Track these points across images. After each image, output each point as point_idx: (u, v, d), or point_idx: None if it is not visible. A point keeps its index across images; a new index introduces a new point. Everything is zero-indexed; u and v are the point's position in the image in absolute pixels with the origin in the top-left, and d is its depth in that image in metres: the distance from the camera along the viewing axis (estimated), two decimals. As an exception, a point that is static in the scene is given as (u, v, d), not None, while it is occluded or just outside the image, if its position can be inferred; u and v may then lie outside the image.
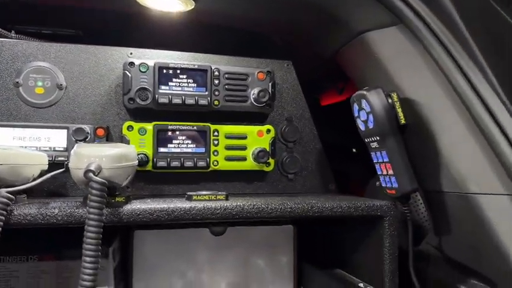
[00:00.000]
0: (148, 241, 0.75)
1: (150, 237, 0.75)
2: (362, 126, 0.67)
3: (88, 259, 0.49)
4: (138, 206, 0.56)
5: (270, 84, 0.78)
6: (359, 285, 0.68)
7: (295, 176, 0.82)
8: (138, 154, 0.67)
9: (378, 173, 0.67)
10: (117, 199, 0.57)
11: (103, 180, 0.48)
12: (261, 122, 0.80)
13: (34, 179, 0.59)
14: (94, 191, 0.48)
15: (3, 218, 0.48)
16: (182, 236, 0.77)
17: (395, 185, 0.63)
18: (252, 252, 0.81)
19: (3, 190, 0.49)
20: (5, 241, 0.50)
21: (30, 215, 0.52)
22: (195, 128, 0.75)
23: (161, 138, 0.73)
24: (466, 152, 0.58)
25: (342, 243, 0.81)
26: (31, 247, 0.70)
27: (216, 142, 0.75)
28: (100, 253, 0.51)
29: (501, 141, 0.54)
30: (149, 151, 0.71)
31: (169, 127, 0.73)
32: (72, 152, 0.55)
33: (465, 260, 0.60)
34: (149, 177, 0.74)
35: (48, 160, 0.64)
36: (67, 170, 0.59)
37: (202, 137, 0.75)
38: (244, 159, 0.76)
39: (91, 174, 0.47)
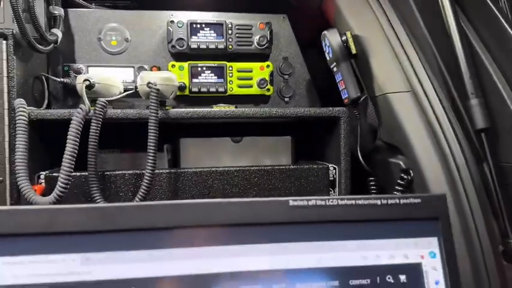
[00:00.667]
0: (189, 146, 1.10)
1: (191, 143, 1.10)
2: (327, 57, 0.96)
3: (151, 148, 0.82)
4: (180, 110, 0.90)
5: (268, 32, 1.06)
6: (329, 166, 0.98)
7: (290, 99, 1.13)
8: (179, 83, 1.01)
9: (340, 89, 0.96)
10: (166, 107, 0.91)
11: (158, 88, 0.82)
12: (263, 60, 1.09)
13: (116, 95, 0.94)
14: (153, 95, 0.82)
15: (102, 114, 0.84)
16: (212, 143, 1.11)
17: (347, 95, 0.92)
18: (261, 156, 1.10)
19: (102, 99, 0.85)
20: (101, 137, 0.85)
21: (116, 113, 0.87)
22: (216, 65, 1.06)
23: (194, 73, 1.05)
24: (385, 66, 0.85)
25: (319, 142, 1.12)
26: (116, 142, 1.06)
27: (230, 75, 1.06)
28: (157, 145, 0.83)
29: (401, 54, 0.82)
30: (186, 81, 1.04)
31: (199, 65, 1.05)
32: (139, 77, 0.90)
33: (395, 142, 0.88)
34: (187, 99, 1.07)
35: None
36: (136, 90, 0.95)
37: (221, 72, 1.06)
38: (250, 86, 1.07)
39: (151, 84, 0.82)
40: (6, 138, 0.82)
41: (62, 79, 0.97)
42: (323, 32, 0.93)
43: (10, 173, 0.81)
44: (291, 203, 0.47)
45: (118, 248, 0.44)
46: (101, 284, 0.42)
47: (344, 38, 0.90)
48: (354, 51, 0.90)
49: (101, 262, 0.43)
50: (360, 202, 0.47)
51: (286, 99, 1.12)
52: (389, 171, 0.90)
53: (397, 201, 0.48)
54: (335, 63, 0.92)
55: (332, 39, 0.90)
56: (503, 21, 0.69)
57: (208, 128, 1.10)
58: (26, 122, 0.79)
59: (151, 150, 0.83)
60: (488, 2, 0.71)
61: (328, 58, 0.94)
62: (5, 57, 0.81)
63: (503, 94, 0.71)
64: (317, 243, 0.46)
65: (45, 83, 0.97)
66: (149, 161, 0.83)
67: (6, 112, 0.81)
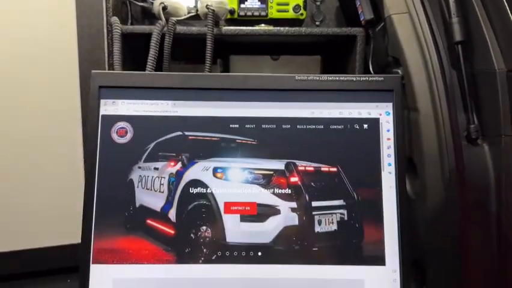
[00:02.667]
0: (236, 61, 1.37)
1: (238, 59, 1.37)
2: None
3: (208, 59, 1.10)
4: (230, 27, 1.17)
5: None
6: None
7: (320, 23, 1.36)
8: (229, 7, 1.28)
9: (359, 13, 1.18)
10: (220, 26, 1.19)
11: (213, 9, 1.10)
12: None
13: (182, 16, 1.23)
14: (209, 15, 1.10)
15: (173, 30, 1.14)
16: (256, 60, 1.36)
17: (363, 17, 1.15)
18: (295, 71, 1.33)
19: (173, 18, 1.14)
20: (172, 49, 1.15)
21: (183, 29, 1.16)
22: (260, -6, 1.32)
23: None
24: None
25: (341, 59, 1.35)
26: (182, 55, 1.35)
27: (271, 1, 1.31)
28: (212, 58, 1.10)
29: None
30: (235, 7, 1.30)
31: (246, -6, 1.32)
32: (199, 1, 1.18)
33: (396, 55, 1.10)
34: (235, 22, 1.33)
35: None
36: (196, 13, 1.23)
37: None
38: (287, 11, 1.32)
39: (209, 6, 1.10)
40: (105, 47, 1.14)
41: (142, 3, 1.27)
42: None
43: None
44: (297, 77, 0.75)
45: (193, 98, 0.75)
46: (184, 117, 0.74)
47: None
48: None
49: (184, 106, 0.75)
50: (342, 78, 0.75)
51: (317, 22, 1.36)
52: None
53: (367, 78, 0.75)
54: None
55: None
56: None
57: (253, 48, 1.37)
58: (119, 34, 1.11)
59: (208, 61, 1.12)
60: None
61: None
62: (104, -15, 1.12)
63: (478, 15, 0.92)
64: (311, 103, 0.75)
65: (129, 6, 1.28)
66: (206, 69, 1.12)
67: (105, 26, 1.13)
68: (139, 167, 0.73)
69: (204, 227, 0.71)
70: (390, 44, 1.13)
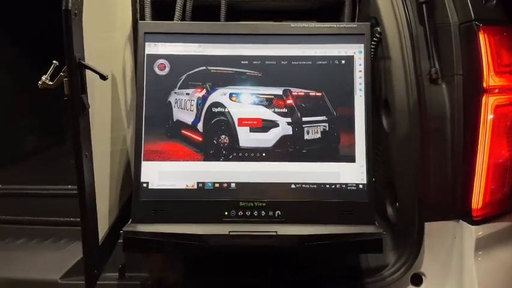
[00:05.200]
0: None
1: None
2: None
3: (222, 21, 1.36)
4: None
5: None
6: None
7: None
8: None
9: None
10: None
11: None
12: None
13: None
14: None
15: (193, -3, 1.37)
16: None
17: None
18: None
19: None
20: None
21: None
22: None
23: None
24: None
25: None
26: (198, 20, 1.59)
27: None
28: (225, 20, 1.36)
29: None
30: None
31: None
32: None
33: (376, 18, 1.33)
34: None
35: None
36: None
37: None
38: None
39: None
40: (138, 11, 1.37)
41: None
42: None
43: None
44: (291, 25, 0.99)
45: (214, 41, 0.99)
46: (207, 56, 0.99)
47: None
48: None
49: (207, 47, 0.99)
50: (326, 25, 0.99)
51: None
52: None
53: (345, 25, 0.99)
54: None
55: None
56: None
57: (258, 14, 1.58)
58: (149, 1, 1.34)
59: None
60: None
61: None
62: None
63: None
64: (302, 44, 0.99)
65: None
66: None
67: None
68: (175, 92, 0.98)
69: (223, 136, 0.96)
70: (371, 7, 1.35)
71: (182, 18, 1.31)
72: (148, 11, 1.33)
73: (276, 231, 0.88)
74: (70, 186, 1.43)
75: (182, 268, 1.09)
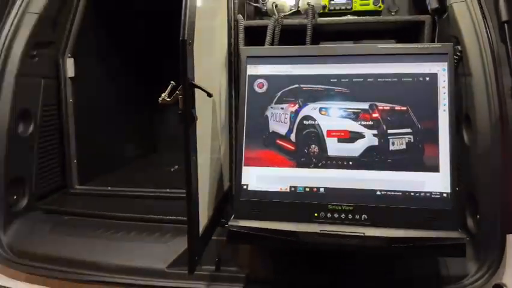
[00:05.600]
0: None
1: (326, 45, 1.73)
2: None
3: (307, 43, 1.48)
4: (325, 18, 1.52)
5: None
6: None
7: (395, 13, 1.65)
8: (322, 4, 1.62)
9: (426, 3, 1.45)
10: (317, 19, 1.54)
11: (313, 4, 1.46)
12: None
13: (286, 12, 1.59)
14: (309, 9, 1.46)
15: (282, 22, 1.51)
16: (341, 44, 1.72)
17: (429, 7, 1.43)
18: None
19: (281, 13, 1.52)
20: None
21: (288, 22, 1.53)
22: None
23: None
24: None
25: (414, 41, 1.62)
26: (282, 43, 1.74)
27: (354, -1, 1.64)
28: (310, 42, 1.48)
29: None
30: (326, 3, 1.64)
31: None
32: (301, 0, 1.54)
33: (455, 34, 1.37)
34: (326, 15, 1.66)
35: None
36: (298, 9, 1.58)
37: None
38: (368, 4, 1.62)
39: (309, 2, 1.45)
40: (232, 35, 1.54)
41: (255, 4, 1.67)
42: None
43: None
44: (379, 45, 1.09)
45: (305, 62, 1.12)
46: (299, 75, 1.11)
47: None
48: None
49: (299, 68, 1.12)
50: (412, 46, 1.07)
51: (392, 12, 1.65)
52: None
53: (429, 45, 1.07)
54: (422, -15, 1.43)
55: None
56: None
57: (338, 35, 1.71)
58: (243, 27, 1.51)
59: (308, 44, 1.48)
60: None
61: None
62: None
63: None
64: (388, 63, 1.08)
65: (245, 7, 1.68)
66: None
67: (232, 22, 1.52)
68: (271, 107, 1.11)
69: (313, 145, 1.07)
70: (451, 26, 1.39)
71: (272, 41, 1.46)
72: (241, 36, 1.49)
73: (363, 233, 0.97)
74: (168, 189, 1.62)
75: (272, 264, 1.20)
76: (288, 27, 1.54)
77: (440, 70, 1.05)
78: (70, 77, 1.64)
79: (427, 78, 1.06)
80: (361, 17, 1.49)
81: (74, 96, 1.66)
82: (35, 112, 1.51)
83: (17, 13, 1.42)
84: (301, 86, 1.11)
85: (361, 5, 1.63)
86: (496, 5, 1.21)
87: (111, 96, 2.01)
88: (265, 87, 1.13)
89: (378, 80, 1.08)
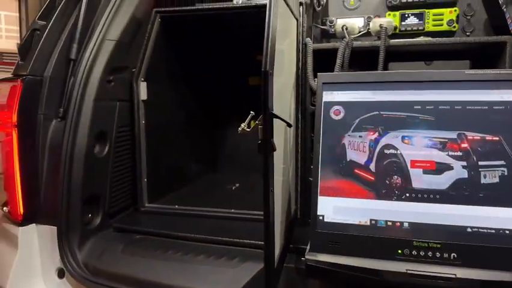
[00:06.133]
0: (394, 67, 1.65)
1: (396, 65, 1.65)
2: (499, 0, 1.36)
3: (380, 65, 1.43)
4: (397, 40, 1.46)
5: None
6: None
7: (471, 33, 1.56)
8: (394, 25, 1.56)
9: (508, 24, 1.36)
10: (389, 40, 1.48)
11: (386, 26, 1.40)
12: (452, 6, 1.54)
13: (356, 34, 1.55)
14: (382, 31, 1.41)
15: (351, 44, 1.47)
16: (411, 65, 1.64)
17: (514, 26, 1.33)
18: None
19: (351, 36, 1.48)
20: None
21: (359, 44, 1.48)
22: (418, 12, 1.57)
23: (403, 18, 1.59)
24: None
25: (491, 63, 1.48)
26: (355, 65, 1.70)
27: (427, 18, 1.55)
28: (383, 63, 1.42)
29: None
30: (397, 24, 1.58)
31: (406, 13, 1.58)
32: (372, 21, 1.49)
33: None
34: (397, 36, 1.60)
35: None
36: (367, 31, 1.54)
37: (421, 16, 1.55)
38: (441, 25, 1.54)
39: (382, 24, 1.40)
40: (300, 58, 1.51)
41: (323, 27, 1.65)
42: None
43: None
44: (466, 72, 1.02)
45: (386, 88, 1.06)
46: (379, 102, 1.06)
47: None
48: None
49: (379, 94, 1.07)
50: (503, 71, 0.99)
51: (467, 33, 1.56)
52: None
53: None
54: (505, 5, 1.33)
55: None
56: None
57: (408, 55, 1.63)
58: (311, 50, 1.48)
59: (380, 66, 1.42)
60: None
61: (500, 1, 1.35)
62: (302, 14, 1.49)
63: None
64: (477, 90, 1.00)
65: (312, 29, 1.65)
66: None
67: (301, 45, 1.50)
68: (349, 135, 1.07)
69: (396, 176, 1.01)
70: None
71: (342, 64, 1.42)
72: (310, 59, 1.46)
73: (455, 274, 0.89)
74: (233, 210, 1.60)
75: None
76: (357, 49, 1.49)
77: (522, 97, 0.97)
78: (142, 100, 1.67)
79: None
80: (436, 39, 1.42)
81: (146, 118, 1.69)
82: (110, 133, 1.55)
83: (96, 40, 1.47)
84: (382, 113, 1.06)
85: (434, 25, 1.56)
86: None
87: (178, 118, 2.04)
88: (342, 114, 1.09)
89: (467, 107, 1.00)
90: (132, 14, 1.60)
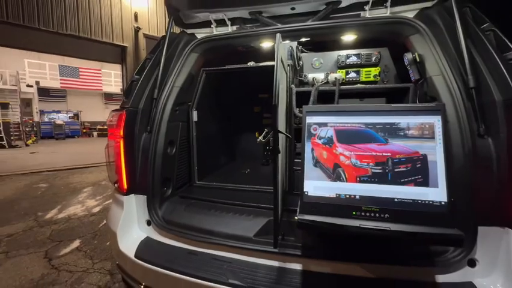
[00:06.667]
0: (343, 103, 1.59)
1: (344, 102, 1.59)
2: (405, 62, 1.29)
3: (336, 101, 1.36)
4: (346, 86, 1.40)
5: (378, 55, 1.45)
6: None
7: (387, 82, 1.50)
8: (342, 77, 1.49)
9: (411, 76, 1.30)
10: (340, 86, 1.41)
11: (339, 78, 1.33)
12: (375, 66, 1.48)
13: (320, 83, 1.48)
14: (337, 82, 1.34)
15: (318, 89, 1.40)
16: (348, 101, 1.58)
17: (413, 78, 1.27)
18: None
19: (316, 85, 1.41)
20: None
21: (322, 88, 1.42)
22: (356, 70, 1.51)
23: (347, 73, 1.53)
24: (432, 66, 1.17)
25: (399, 101, 1.46)
26: (319, 102, 1.63)
27: (361, 73, 1.49)
28: (338, 101, 1.36)
29: (439, 60, 1.12)
30: (344, 76, 1.52)
31: (349, 70, 1.52)
32: (330, 75, 1.42)
33: (433, 95, 1.21)
34: (344, 83, 1.55)
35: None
36: (327, 81, 1.47)
37: (358, 72, 1.50)
38: (370, 77, 1.48)
39: (336, 77, 1.34)
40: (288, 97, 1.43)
41: (301, 78, 1.56)
42: (404, 54, 1.27)
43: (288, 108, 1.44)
44: (392, 105, 0.95)
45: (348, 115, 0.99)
46: (343, 123, 0.99)
47: (414, 55, 1.23)
48: (418, 59, 1.22)
49: (342, 118, 0.99)
50: (419, 105, 0.92)
51: (385, 82, 1.50)
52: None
53: (427, 104, 0.91)
54: (409, 66, 1.27)
55: (408, 55, 1.25)
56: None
57: (348, 96, 1.57)
58: (295, 92, 1.39)
59: (336, 101, 1.35)
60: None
61: (406, 63, 1.28)
62: (289, 71, 1.42)
63: (482, 70, 0.98)
64: (402, 116, 0.93)
65: (294, 79, 1.57)
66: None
67: (288, 89, 1.42)
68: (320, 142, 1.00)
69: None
70: (429, 90, 1.21)
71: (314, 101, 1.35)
72: (294, 98, 1.38)
73: (389, 227, 0.82)
74: (247, 185, 1.52)
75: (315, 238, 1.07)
76: (321, 91, 1.42)
77: (436, 121, 0.90)
78: (194, 121, 1.60)
79: (426, 126, 0.91)
80: (368, 85, 1.35)
81: (196, 131, 1.62)
82: (176, 141, 1.48)
83: (169, 87, 1.41)
84: (339, 129, 0.98)
85: (366, 77, 1.50)
86: (466, 76, 1.03)
87: (213, 131, 1.96)
88: (317, 130, 1.01)
89: (393, 126, 0.94)
90: (189, 71, 1.52)
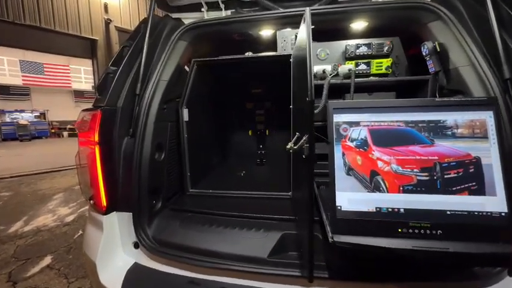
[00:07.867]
0: (348, 97, 1.41)
1: (348, 95, 1.41)
2: (424, 53, 1.14)
3: (351, 92, 1.16)
4: (357, 79, 1.21)
5: (391, 45, 1.28)
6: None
7: (399, 75, 1.34)
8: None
9: (429, 68, 1.14)
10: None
11: (351, 68, 1.14)
12: (387, 57, 1.29)
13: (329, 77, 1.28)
14: (352, 74, 1.14)
15: (329, 82, 1.20)
16: (358, 95, 1.39)
17: (433, 70, 1.11)
18: None
19: (328, 77, 1.21)
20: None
21: (335, 81, 1.22)
22: (366, 61, 1.32)
23: (357, 65, 1.34)
24: (457, 55, 1.01)
25: (410, 96, 1.28)
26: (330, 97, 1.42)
27: (372, 64, 1.32)
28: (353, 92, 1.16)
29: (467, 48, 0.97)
30: (354, 68, 1.34)
31: (359, 62, 1.33)
32: (340, 67, 1.22)
33: (458, 87, 1.06)
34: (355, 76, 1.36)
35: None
36: (336, 74, 1.27)
37: (368, 64, 1.30)
38: (381, 69, 1.29)
39: (350, 68, 1.14)
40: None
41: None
42: (424, 43, 1.11)
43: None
44: (436, 99, 0.77)
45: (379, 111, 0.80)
46: (376, 121, 0.79)
47: (434, 43, 1.08)
48: (438, 49, 1.07)
49: (373, 116, 0.80)
50: (466, 99, 0.76)
51: (396, 74, 1.34)
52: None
53: (477, 97, 0.75)
54: (429, 56, 1.11)
55: (429, 44, 1.09)
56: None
57: (357, 90, 1.38)
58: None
59: (352, 96, 1.16)
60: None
61: (425, 53, 1.12)
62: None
63: None
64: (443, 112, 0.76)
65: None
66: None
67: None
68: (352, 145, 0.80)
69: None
70: (453, 82, 1.07)
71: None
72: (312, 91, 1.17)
73: (448, 248, 0.65)
74: (249, 192, 1.30)
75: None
76: (334, 85, 1.22)
77: (488, 116, 0.74)
78: (185, 121, 1.33)
79: (477, 123, 0.74)
80: (376, 78, 1.17)
81: (188, 132, 1.36)
82: (165, 144, 1.21)
83: (154, 81, 1.13)
84: (374, 129, 0.79)
85: (377, 69, 1.32)
86: (499, 66, 0.89)
87: (205, 131, 1.70)
88: (348, 131, 0.81)
89: (438, 125, 0.76)
90: (177, 62, 1.24)
